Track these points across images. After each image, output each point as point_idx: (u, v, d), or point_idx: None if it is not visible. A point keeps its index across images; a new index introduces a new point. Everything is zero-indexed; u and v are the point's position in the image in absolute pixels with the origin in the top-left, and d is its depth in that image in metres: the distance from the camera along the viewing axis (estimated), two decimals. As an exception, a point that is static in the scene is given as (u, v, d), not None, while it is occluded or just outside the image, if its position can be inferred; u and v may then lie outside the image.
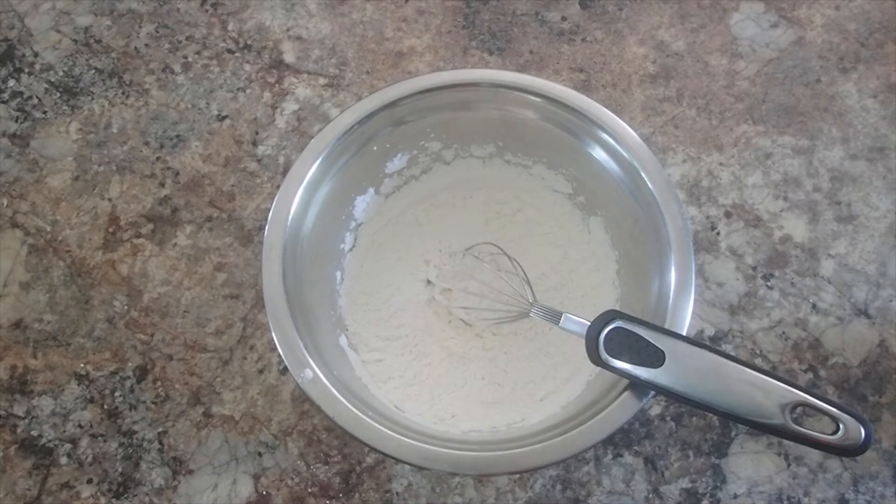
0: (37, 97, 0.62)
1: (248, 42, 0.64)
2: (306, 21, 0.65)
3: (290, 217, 0.46)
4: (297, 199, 0.46)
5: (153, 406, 0.51)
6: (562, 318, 0.44)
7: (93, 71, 0.63)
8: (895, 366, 0.53)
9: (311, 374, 0.42)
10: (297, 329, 0.44)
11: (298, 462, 0.50)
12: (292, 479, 0.49)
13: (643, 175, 0.47)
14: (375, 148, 0.50)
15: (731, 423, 0.51)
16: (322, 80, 0.62)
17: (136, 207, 0.57)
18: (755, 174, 0.59)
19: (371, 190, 0.53)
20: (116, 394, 0.52)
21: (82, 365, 0.53)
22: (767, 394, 0.36)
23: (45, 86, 0.62)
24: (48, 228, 0.57)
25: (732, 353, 0.38)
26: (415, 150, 0.53)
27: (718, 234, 0.57)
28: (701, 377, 0.36)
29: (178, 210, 0.57)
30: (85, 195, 0.58)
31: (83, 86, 0.62)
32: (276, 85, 0.62)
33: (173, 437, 0.50)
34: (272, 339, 0.43)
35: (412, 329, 0.52)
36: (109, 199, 0.58)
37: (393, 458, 0.41)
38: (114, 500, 0.49)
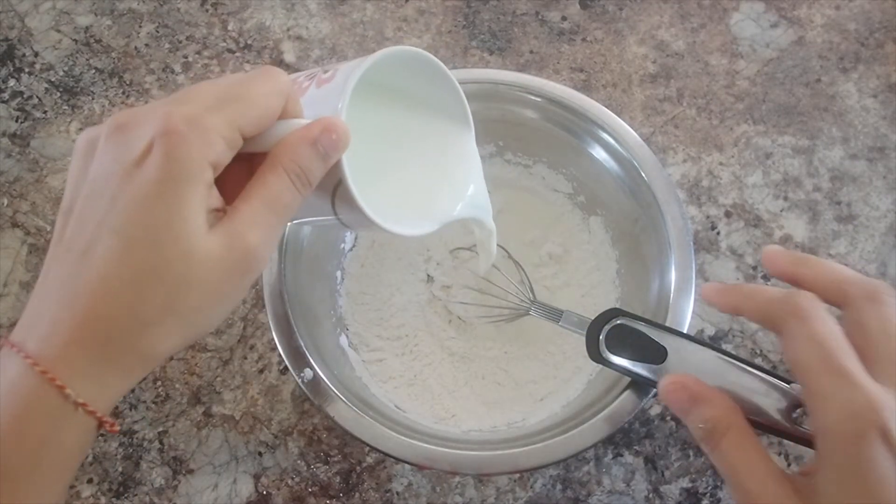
0: (37, 97, 0.62)
1: (249, 42, 0.64)
2: (306, 21, 0.65)
3: (290, 217, 0.46)
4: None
5: (153, 405, 0.51)
6: (562, 317, 0.44)
7: (93, 71, 0.63)
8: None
9: (311, 374, 0.42)
10: (297, 329, 0.44)
11: (299, 462, 0.50)
12: (292, 478, 0.49)
13: (643, 175, 0.47)
14: (376, 147, 0.51)
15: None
16: (322, 80, 0.62)
17: (136, 207, 0.57)
18: (755, 174, 0.59)
19: (371, 190, 0.53)
20: (116, 393, 0.52)
21: (82, 365, 0.53)
22: (768, 393, 0.36)
23: (46, 85, 0.62)
24: (48, 228, 0.57)
25: (733, 353, 0.38)
26: (415, 150, 0.53)
27: (718, 233, 0.57)
28: (702, 376, 0.36)
29: (178, 210, 0.57)
30: (85, 195, 0.58)
31: (83, 85, 0.62)
32: (277, 85, 0.62)
33: (173, 437, 0.50)
34: (272, 339, 0.44)
35: (413, 329, 0.52)
36: (109, 199, 0.58)
37: (393, 457, 0.41)
38: (114, 500, 0.49)
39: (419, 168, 0.38)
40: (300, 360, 0.43)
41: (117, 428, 0.28)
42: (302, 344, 0.43)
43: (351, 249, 0.54)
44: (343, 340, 0.50)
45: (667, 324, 0.42)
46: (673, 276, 0.44)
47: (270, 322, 0.44)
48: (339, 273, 0.53)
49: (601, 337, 0.41)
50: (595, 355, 0.41)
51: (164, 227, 0.26)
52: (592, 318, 0.41)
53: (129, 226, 0.26)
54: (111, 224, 0.26)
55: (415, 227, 0.35)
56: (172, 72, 0.63)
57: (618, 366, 0.40)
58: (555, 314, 0.45)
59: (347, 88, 0.31)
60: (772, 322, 0.33)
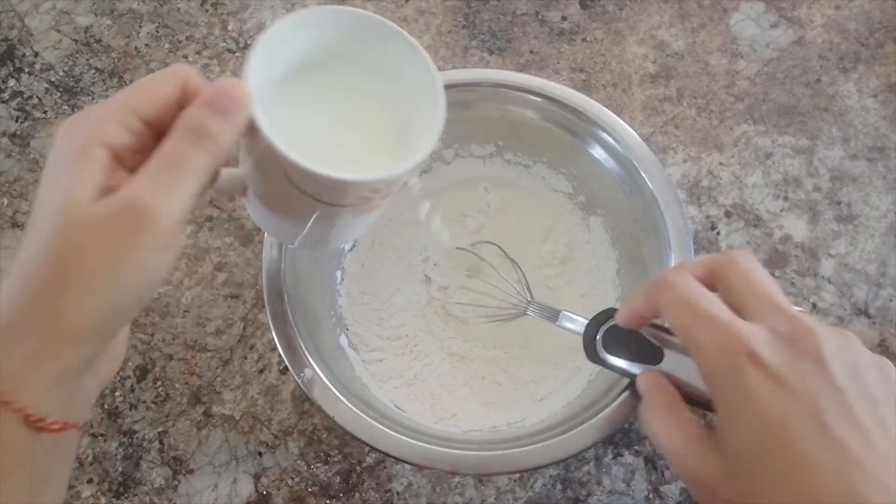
0: (37, 97, 0.62)
1: (249, 42, 0.64)
2: (306, 21, 0.65)
3: (290, 217, 0.46)
4: (297, 198, 0.46)
5: (153, 405, 0.51)
6: (559, 317, 0.44)
7: (93, 71, 0.63)
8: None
9: (311, 374, 0.42)
10: (297, 329, 0.44)
11: (299, 462, 0.50)
12: (292, 478, 0.49)
13: (643, 175, 0.47)
14: (375, 147, 0.50)
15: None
16: (322, 80, 0.62)
17: (136, 207, 0.57)
18: (755, 174, 0.59)
19: (371, 190, 0.53)
20: (117, 393, 0.52)
21: (82, 364, 0.53)
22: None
23: (46, 85, 0.62)
24: (48, 228, 0.57)
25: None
26: (415, 150, 0.53)
27: (718, 233, 0.57)
28: (698, 374, 0.36)
29: (178, 210, 0.57)
30: (85, 195, 0.58)
31: (83, 85, 0.62)
32: (277, 85, 0.62)
33: (173, 437, 0.50)
34: (272, 339, 0.44)
35: (412, 329, 0.52)
36: (110, 199, 0.58)
37: (393, 457, 0.41)
38: (114, 500, 0.49)
39: (384, 126, 0.37)
40: (300, 360, 0.43)
41: (55, 427, 0.28)
42: (302, 344, 0.43)
43: (351, 249, 0.54)
44: (343, 340, 0.50)
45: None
46: (673, 276, 0.44)
47: (270, 322, 0.44)
48: (339, 273, 0.53)
49: (598, 337, 0.40)
50: (592, 355, 0.41)
51: (52, 204, 0.28)
52: (590, 317, 0.41)
53: (32, 217, 0.29)
54: (28, 224, 0.30)
55: (388, 168, 0.33)
56: (172, 72, 0.63)
57: (615, 366, 0.40)
58: (551, 314, 0.45)
59: (252, 54, 0.30)
60: (656, 307, 0.35)
